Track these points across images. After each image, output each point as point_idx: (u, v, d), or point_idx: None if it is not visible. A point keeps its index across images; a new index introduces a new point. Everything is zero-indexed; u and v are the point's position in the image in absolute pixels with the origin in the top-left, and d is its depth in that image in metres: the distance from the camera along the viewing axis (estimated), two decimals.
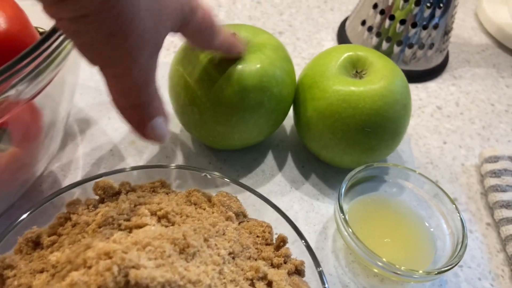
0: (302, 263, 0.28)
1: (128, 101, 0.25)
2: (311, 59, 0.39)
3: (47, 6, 0.20)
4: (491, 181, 0.39)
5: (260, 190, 0.38)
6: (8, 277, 0.25)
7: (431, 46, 0.49)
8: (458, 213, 0.33)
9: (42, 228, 0.28)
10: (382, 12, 0.49)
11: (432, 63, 0.52)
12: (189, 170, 0.33)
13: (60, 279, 0.22)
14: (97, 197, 0.30)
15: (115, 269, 0.20)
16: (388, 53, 0.50)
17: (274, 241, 0.30)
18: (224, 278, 0.24)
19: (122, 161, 0.39)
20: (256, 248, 0.29)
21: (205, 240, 0.25)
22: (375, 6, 0.49)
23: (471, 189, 0.41)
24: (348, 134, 0.34)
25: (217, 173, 0.33)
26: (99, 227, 0.26)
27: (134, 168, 0.32)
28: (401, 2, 0.47)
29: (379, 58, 0.36)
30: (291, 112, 0.39)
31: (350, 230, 0.31)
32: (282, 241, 0.29)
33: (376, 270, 0.31)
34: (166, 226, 0.27)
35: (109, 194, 0.30)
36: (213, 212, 0.30)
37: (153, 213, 0.27)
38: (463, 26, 0.61)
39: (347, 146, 0.35)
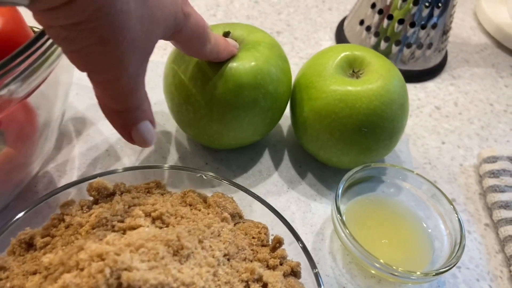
0: (298, 264, 0.28)
1: (116, 106, 0.24)
2: (308, 59, 0.39)
3: (38, 13, 0.20)
4: (490, 182, 0.39)
5: (256, 190, 0.37)
6: (0, 279, 0.25)
7: (430, 45, 0.49)
8: (456, 213, 0.32)
9: (35, 229, 0.28)
10: (380, 11, 0.48)
11: (431, 63, 0.51)
12: (185, 170, 0.33)
13: (52, 281, 0.22)
14: (91, 198, 0.30)
15: (107, 271, 0.20)
16: (387, 53, 0.50)
17: (270, 243, 0.30)
18: (218, 280, 0.24)
19: (118, 161, 0.38)
20: (252, 250, 0.29)
21: (200, 241, 0.25)
22: (373, 5, 0.49)
23: (470, 189, 0.40)
24: (345, 134, 0.34)
25: (212, 174, 0.32)
26: (93, 229, 0.26)
27: (128, 169, 0.32)
28: (399, 2, 0.47)
29: (376, 57, 0.36)
30: (288, 112, 0.39)
31: (347, 231, 0.30)
32: (278, 242, 0.29)
33: (373, 271, 0.31)
34: (161, 228, 0.26)
35: (103, 195, 0.29)
36: (208, 213, 0.29)
37: (147, 214, 0.27)
38: (462, 26, 0.61)
39: (344, 146, 0.35)
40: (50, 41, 0.25)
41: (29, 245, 0.27)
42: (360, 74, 0.36)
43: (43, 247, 0.26)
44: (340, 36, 0.55)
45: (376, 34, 0.50)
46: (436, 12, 0.47)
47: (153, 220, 0.27)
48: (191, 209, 0.30)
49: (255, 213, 0.32)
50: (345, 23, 0.55)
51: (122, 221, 0.27)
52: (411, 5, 0.46)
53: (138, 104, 0.25)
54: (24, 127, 0.30)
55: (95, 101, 0.26)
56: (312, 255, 0.29)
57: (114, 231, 0.26)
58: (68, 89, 0.34)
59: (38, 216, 0.29)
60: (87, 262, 0.21)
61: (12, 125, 0.29)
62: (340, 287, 0.32)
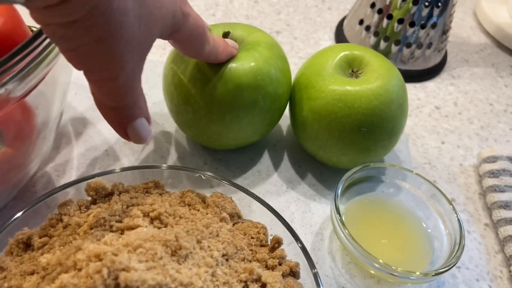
0: (297, 264, 0.28)
1: (112, 103, 0.24)
2: (308, 59, 0.39)
3: (35, 11, 0.20)
4: (490, 182, 0.39)
5: (256, 190, 0.37)
6: None
7: (429, 45, 0.49)
8: (456, 213, 0.32)
9: (33, 229, 0.28)
10: (380, 11, 0.48)
11: (431, 63, 0.51)
12: (183, 170, 0.32)
13: (50, 281, 0.22)
14: (89, 198, 0.30)
15: (105, 271, 0.20)
16: (386, 53, 0.49)
17: (269, 243, 0.30)
18: (217, 281, 0.24)
19: (117, 161, 0.38)
20: (251, 250, 0.28)
21: (198, 241, 0.25)
22: (372, 5, 0.49)
23: (469, 189, 0.40)
24: (344, 134, 0.34)
25: (211, 174, 0.32)
26: (91, 229, 0.26)
27: (127, 169, 0.32)
28: (399, 1, 0.46)
29: (375, 57, 0.36)
30: (287, 112, 0.39)
31: (347, 231, 0.30)
32: (277, 242, 0.29)
33: (372, 272, 0.31)
34: (159, 228, 0.26)
35: (101, 195, 0.29)
36: (207, 213, 0.29)
37: (145, 214, 0.27)
38: (462, 26, 0.61)
39: (344, 146, 0.35)
40: (48, 40, 0.25)
41: (27, 245, 0.27)
42: (359, 73, 0.36)
43: (41, 247, 0.26)
44: (340, 36, 0.55)
45: (376, 34, 0.49)
46: (436, 11, 0.47)
47: (152, 220, 0.27)
48: (190, 209, 0.30)
49: (254, 213, 0.31)
50: (345, 22, 0.55)
51: (120, 221, 0.26)
52: (410, 4, 0.46)
53: (134, 101, 0.25)
54: (22, 126, 0.30)
55: (93, 100, 0.26)
56: (311, 255, 0.29)
57: (112, 231, 0.26)
58: (66, 88, 0.34)
59: (36, 216, 0.29)
60: (84, 263, 0.21)
61: (10, 124, 0.29)
62: (339, 287, 0.32)
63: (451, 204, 0.33)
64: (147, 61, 0.25)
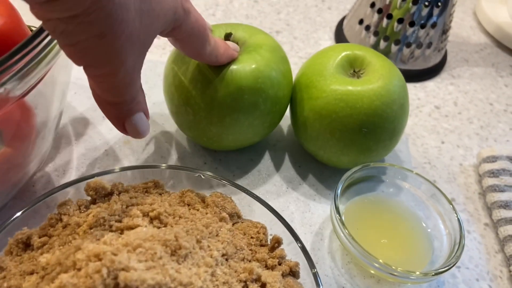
0: (297, 264, 0.28)
1: (111, 98, 0.24)
2: (308, 59, 0.39)
3: (35, 6, 0.20)
4: (489, 181, 0.39)
5: (256, 190, 0.37)
6: None
7: (429, 45, 0.49)
8: (456, 213, 0.32)
9: (32, 229, 0.27)
10: (379, 11, 0.48)
11: (430, 62, 0.51)
12: (183, 170, 0.32)
13: (49, 281, 0.22)
14: (89, 198, 0.30)
15: (105, 271, 0.20)
16: (386, 52, 0.49)
17: (269, 242, 0.30)
18: (216, 280, 0.24)
19: (116, 161, 0.38)
20: (250, 250, 0.28)
21: (198, 241, 0.25)
22: (372, 5, 0.49)
23: (469, 189, 0.40)
24: (345, 134, 0.34)
25: (211, 173, 0.32)
26: (90, 228, 0.26)
27: (127, 168, 0.32)
28: (399, 1, 0.46)
29: (377, 57, 0.36)
30: (287, 112, 0.39)
31: (346, 231, 0.30)
32: (277, 242, 0.29)
33: (372, 271, 0.31)
34: (159, 227, 0.26)
35: (101, 195, 0.29)
36: (206, 213, 0.29)
37: (145, 214, 0.27)
38: (462, 25, 0.61)
39: (345, 146, 0.35)
40: (48, 39, 0.25)
41: (27, 245, 0.27)
42: (361, 74, 0.36)
43: (40, 247, 0.26)
44: (340, 36, 0.55)
45: (376, 34, 0.49)
46: (436, 11, 0.47)
47: (151, 220, 0.27)
48: (189, 209, 0.30)
49: (254, 213, 0.31)
50: (345, 22, 0.55)
51: (119, 221, 0.26)
52: (410, 4, 0.46)
53: (133, 96, 0.25)
54: (21, 126, 0.30)
55: (93, 100, 0.26)
56: (311, 255, 0.29)
57: (111, 231, 0.26)
58: (65, 88, 0.34)
59: (35, 216, 0.29)
60: (84, 262, 0.21)
61: (9, 124, 0.28)
62: (339, 287, 0.32)
63: (451, 204, 0.33)
64: (147, 61, 0.25)
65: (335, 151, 0.35)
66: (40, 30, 0.25)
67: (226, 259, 0.26)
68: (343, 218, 0.31)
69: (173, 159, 0.39)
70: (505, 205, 0.36)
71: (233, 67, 0.32)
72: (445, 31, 0.50)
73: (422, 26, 0.47)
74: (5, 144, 0.29)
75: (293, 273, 0.28)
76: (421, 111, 0.47)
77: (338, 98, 0.33)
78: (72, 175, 0.37)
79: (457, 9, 0.63)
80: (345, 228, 0.30)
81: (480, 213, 0.38)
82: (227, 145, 0.36)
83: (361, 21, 0.51)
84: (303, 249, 0.28)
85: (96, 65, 0.22)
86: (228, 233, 0.27)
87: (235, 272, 0.25)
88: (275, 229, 0.30)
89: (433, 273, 0.29)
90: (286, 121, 0.43)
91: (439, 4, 0.46)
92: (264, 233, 0.30)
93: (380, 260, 0.29)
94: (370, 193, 0.36)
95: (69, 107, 0.42)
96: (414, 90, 0.50)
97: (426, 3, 0.46)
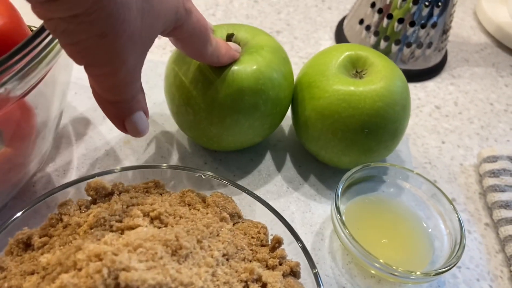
0: (298, 264, 0.28)
1: (111, 97, 0.24)
2: (308, 59, 0.39)
3: (36, 6, 0.20)
4: (490, 181, 0.38)
5: (256, 190, 0.37)
6: None
7: (430, 45, 0.49)
8: (456, 213, 0.32)
9: (33, 229, 0.27)
10: (380, 11, 0.48)
11: (431, 62, 0.51)
12: (183, 170, 0.32)
13: (50, 281, 0.22)
14: (89, 198, 0.30)
15: (105, 271, 0.20)
16: (386, 52, 0.49)
17: (269, 242, 0.30)
18: (217, 280, 0.24)
19: (117, 161, 0.38)
20: (251, 250, 0.28)
21: (198, 241, 0.25)
22: (373, 5, 0.49)
23: (470, 189, 0.40)
24: (347, 135, 0.34)
25: (211, 173, 0.32)
26: (91, 228, 0.26)
27: (127, 168, 0.32)
28: (399, 1, 0.46)
29: (379, 58, 0.36)
30: (288, 111, 0.39)
31: (347, 231, 0.30)
32: (278, 242, 0.29)
33: (373, 271, 0.31)
34: (159, 227, 0.26)
35: (101, 195, 0.29)
36: (207, 213, 0.29)
37: (145, 214, 0.27)
38: (462, 25, 0.61)
39: (346, 146, 0.35)
40: (48, 39, 0.25)
41: (27, 245, 0.27)
42: (363, 74, 0.36)
43: (41, 247, 0.26)
44: (340, 36, 0.54)
45: (376, 34, 0.49)
46: (436, 11, 0.47)
47: (152, 220, 0.27)
48: (190, 209, 0.29)
49: (255, 213, 0.31)
50: (345, 22, 0.55)
51: (120, 221, 0.26)
52: (411, 4, 0.46)
53: (133, 95, 0.25)
54: (22, 126, 0.29)
55: (94, 100, 0.26)
56: (312, 255, 0.29)
57: (112, 231, 0.26)
58: (66, 88, 0.34)
59: (36, 216, 0.29)
60: (85, 262, 0.21)
61: (10, 124, 0.28)
62: (340, 287, 0.32)
63: (452, 204, 0.33)
64: (147, 61, 0.25)
65: (336, 151, 0.35)
66: (41, 30, 0.25)
67: (227, 259, 0.26)
68: (343, 218, 0.31)
69: (174, 159, 0.39)
70: (506, 205, 0.36)
71: (234, 68, 0.32)
72: (445, 31, 0.50)
73: (423, 26, 0.47)
74: (5, 144, 0.29)
75: (294, 273, 0.28)
76: (422, 111, 0.47)
77: (341, 99, 0.33)
78: (72, 175, 0.37)
79: (458, 9, 0.63)
80: (346, 228, 0.30)
81: (481, 213, 0.38)
82: (227, 145, 0.36)
83: (361, 21, 0.51)
84: (304, 249, 0.28)
85: (97, 65, 0.22)
86: (228, 233, 0.27)
87: (236, 272, 0.25)
88: (275, 229, 0.30)
89: (434, 273, 0.29)
90: (287, 121, 0.43)
91: (440, 4, 0.46)
92: (264, 233, 0.30)
93: (381, 260, 0.29)
94: (370, 193, 0.36)
95: (70, 107, 0.42)
96: (415, 90, 0.50)
97: (427, 3, 0.46)
